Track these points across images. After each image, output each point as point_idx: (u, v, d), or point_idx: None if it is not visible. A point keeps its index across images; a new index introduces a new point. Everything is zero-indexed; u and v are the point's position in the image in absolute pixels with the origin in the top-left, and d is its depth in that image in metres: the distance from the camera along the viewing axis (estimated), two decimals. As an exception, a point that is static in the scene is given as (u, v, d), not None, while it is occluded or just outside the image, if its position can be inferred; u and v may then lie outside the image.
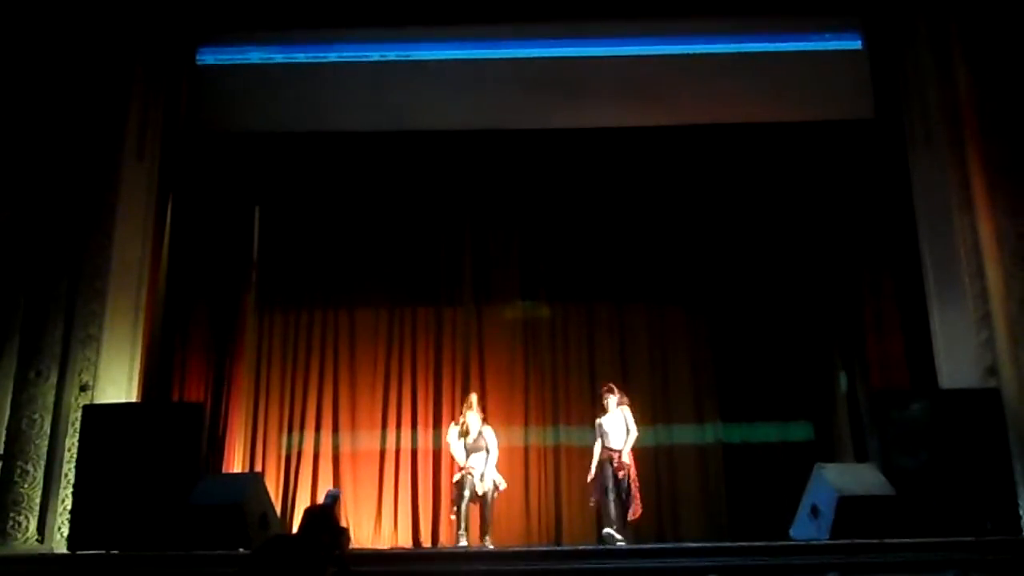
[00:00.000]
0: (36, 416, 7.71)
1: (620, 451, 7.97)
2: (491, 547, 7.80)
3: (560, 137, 9.19)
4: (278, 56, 9.37)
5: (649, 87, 9.14)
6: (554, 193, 9.52)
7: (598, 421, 8.22)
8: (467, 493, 7.98)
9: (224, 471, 8.76)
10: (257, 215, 9.75)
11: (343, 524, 8.64)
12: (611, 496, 7.88)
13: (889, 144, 8.90)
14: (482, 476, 8.04)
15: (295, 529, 8.55)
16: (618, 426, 8.10)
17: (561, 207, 9.61)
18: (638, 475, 8.02)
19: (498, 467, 8.20)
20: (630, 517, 7.88)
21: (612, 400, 8.20)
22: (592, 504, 8.19)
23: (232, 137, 9.28)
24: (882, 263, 8.97)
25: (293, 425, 9.37)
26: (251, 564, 4.95)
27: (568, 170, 9.35)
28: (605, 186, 9.44)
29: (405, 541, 8.96)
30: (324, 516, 8.04)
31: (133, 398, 8.17)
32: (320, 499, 8.74)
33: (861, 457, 8.41)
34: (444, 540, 8.89)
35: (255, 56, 9.39)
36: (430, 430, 9.29)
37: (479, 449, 8.14)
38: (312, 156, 9.36)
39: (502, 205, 9.70)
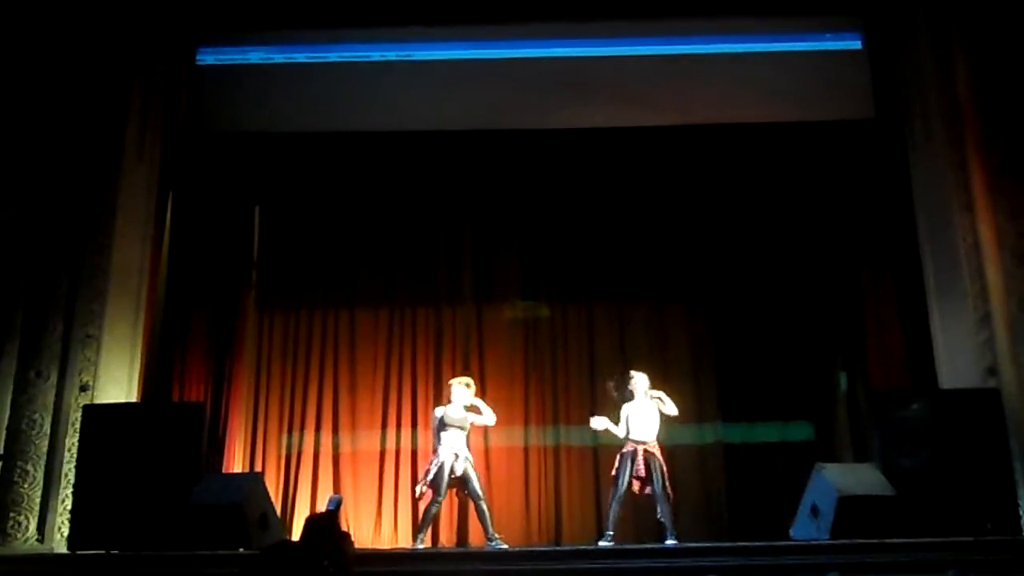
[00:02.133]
0: (36, 416, 7.70)
1: (648, 443, 7.67)
2: (505, 545, 7.57)
3: (561, 137, 9.20)
4: (278, 56, 9.37)
5: (648, 87, 9.14)
6: (554, 193, 9.52)
7: (624, 408, 7.87)
8: (444, 485, 7.58)
9: (224, 471, 8.76)
10: (257, 215, 9.75)
11: (345, 529, 8.65)
12: (618, 499, 7.62)
13: (889, 144, 8.90)
14: (456, 456, 7.63)
15: (296, 533, 8.58)
16: (649, 414, 7.77)
17: (561, 207, 9.60)
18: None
19: (497, 466, 8.10)
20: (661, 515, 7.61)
21: (642, 382, 7.88)
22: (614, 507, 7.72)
23: (232, 137, 9.29)
24: (882, 263, 8.98)
25: (293, 425, 9.36)
26: (252, 571, 4.93)
27: (568, 170, 9.36)
28: (605, 186, 9.44)
29: (405, 541, 8.94)
30: (327, 524, 8.01)
31: (133, 398, 8.17)
32: (320, 500, 8.77)
33: (861, 457, 8.42)
34: (444, 540, 8.90)
35: (255, 56, 9.39)
36: (431, 430, 9.26)
37: (461, 427, 7.76)
38: (312, 156, 9.36)
39: (502, 205, 9.69)
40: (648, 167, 9.34)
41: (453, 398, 7.91)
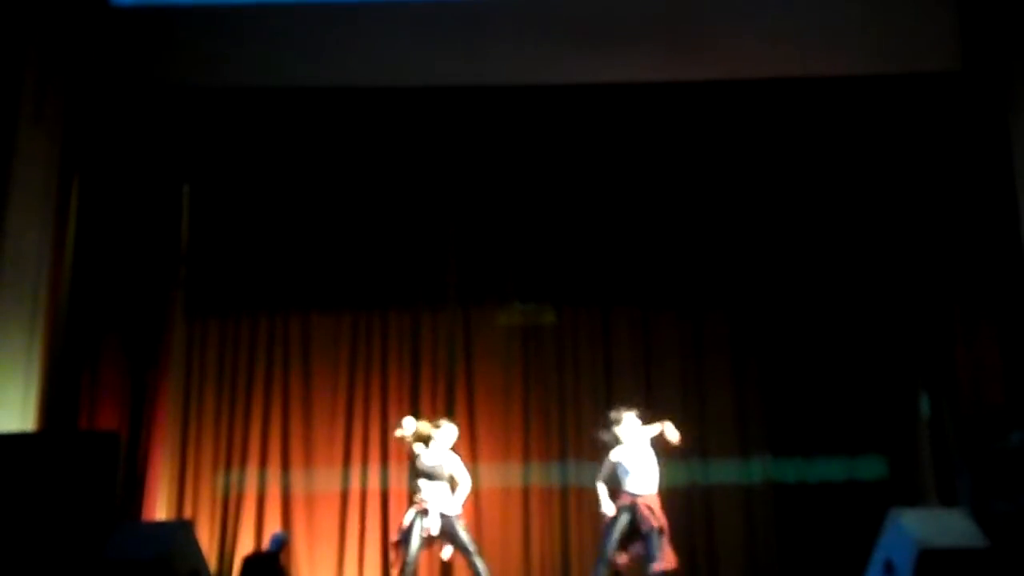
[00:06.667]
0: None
1: (647, 496, 7.85)
2: None
3: (573, 94, 9.20)
4: (211, -7, 9.38)
5: (688, 31, 9.16)
6: (562, 165, 9.51)
7: (614, 457, 8.06)
8: (416, 544, 7.74)
9: (145, 517, 8.77)
10: (186, 195, 9.74)
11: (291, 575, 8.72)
12: (605, 562, 7.80)
13: (980, 102, 8.92)
14: (427, 513, 7.81)
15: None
16: (646, 462, 7.96)
17: (572, 184, 9.61)
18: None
19: (490, 511, 8.16)
20: (657, 568, 7.76)
21: (634, 422, 8.04)
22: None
23: (156, 96, 9.26)
24: (973, 252, 8.96)
25: (232, 460, 9.42)
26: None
27: (581, 136, 9.35)
28: (628, 156, 9.44)
29: (372, 604, 9.03)
30: (267, 566, 8.10)
31: (29, 426, 8.17)
32: (264, 546, 8.80)
33: (948, 500, 8.44)
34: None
35: (182, -6, 9.40)
36: (405, 466, 9.27)
37: (439, 478, 7.94)
38: (255, 119, 9.35)
39: (496, 181, 9.68)
40: (683, 133, 9.35)
41: (436, 438, 8.01)
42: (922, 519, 7.35)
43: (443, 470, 7.93)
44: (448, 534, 7.78)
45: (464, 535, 7.79)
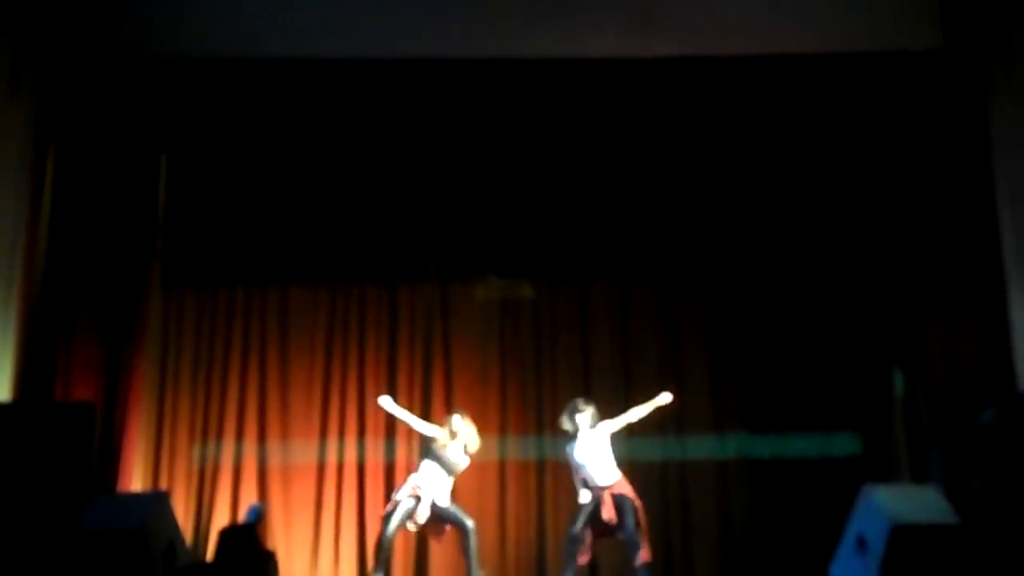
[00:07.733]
0: None
1: (612, 485, 7.89)
2: None
3: (549, 69, 9.21)
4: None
5: (665, 6, 9.17)
6: (541, 141, 9.51)
7: (568, 450, 8.10)
8: (395, 525, 7.93)
9: (121, 489, 8.75)
10: (163, 166, 9.66)
11: (269, 548, 8.72)
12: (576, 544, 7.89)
13: (961, 81, 8.95)
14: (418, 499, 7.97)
15: (210, 557, 8.66)
16: (600, 453, 7.98)
17: (550, 160, 9.59)
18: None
19: (466, 485, 8.21)
20: (637, 562, 7.82)
21: (589, 415, 8.09)
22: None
23: (133, 66, 9.18)
24: (950, 233, 9.01)
25: (208, 432, 9.39)
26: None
27: (559, 111, 9.35)
28: (605, 133, 9.44)
29: (348, 576, 9.02)
30: (244, 538, 8.11)
31: (4, 397, 8.15)
32: (241, 518, 8.82)
33: (920, 477, 8.51)
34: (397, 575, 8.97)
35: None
36: (381, 439, 9.32)
37: (452, 473, 8.08)
38: (234, 89, 9.30)
39: (475, 156, 9.66)
40: (659, 110, 9.36)
41: (459, 434, 8.15)
42: (894, 495, 7.40)
43: (459, 468, 8.07)
44: (446, 515, 7.94)
45: (462, 515, 7.93)
